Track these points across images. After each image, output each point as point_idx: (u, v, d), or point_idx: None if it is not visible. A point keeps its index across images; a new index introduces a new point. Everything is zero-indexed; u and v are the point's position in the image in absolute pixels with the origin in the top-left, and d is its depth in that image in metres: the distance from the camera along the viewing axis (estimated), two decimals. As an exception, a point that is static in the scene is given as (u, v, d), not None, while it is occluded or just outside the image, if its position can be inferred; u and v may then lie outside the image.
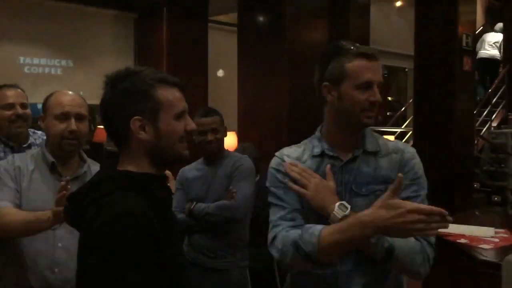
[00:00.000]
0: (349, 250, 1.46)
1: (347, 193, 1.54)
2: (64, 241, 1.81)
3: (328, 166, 1.53)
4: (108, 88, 1.27)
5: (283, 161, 1.57)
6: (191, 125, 1.30)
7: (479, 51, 9.13)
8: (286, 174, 1.54)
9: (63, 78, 6.40)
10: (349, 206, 1.46)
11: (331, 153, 1.56)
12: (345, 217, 1.43)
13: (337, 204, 1.46)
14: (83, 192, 1.24)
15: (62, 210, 1.58)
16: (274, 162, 1.61)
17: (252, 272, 2.83)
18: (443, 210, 1.30)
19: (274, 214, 1.54)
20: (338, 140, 1.57)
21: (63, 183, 1.64)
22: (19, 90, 2.47)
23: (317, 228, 1.44)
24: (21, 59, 6.21)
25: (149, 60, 6.75)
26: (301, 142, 1.66)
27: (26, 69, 6.25)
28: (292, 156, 1.59)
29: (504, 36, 9.07)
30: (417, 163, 1.58)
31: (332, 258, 1.46)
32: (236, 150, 3.77)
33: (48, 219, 1.65)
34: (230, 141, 4.80)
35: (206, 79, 6.94)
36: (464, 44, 6.46)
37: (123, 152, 1.28)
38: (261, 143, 5.10)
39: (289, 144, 1.70)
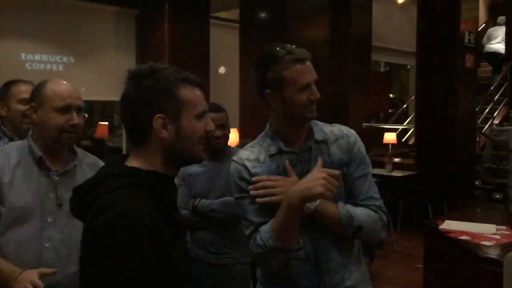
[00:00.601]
0: (296, 224, 1.55)
1: None
2: (52, 242, 1.74)
3: (287, 161, 1.65)
4: (131, 84, 1.24)
5: (245, 167, 1.66)
6: (211, 125, 1.29)
7: (486, 45, 9.10)
8: (249, 182, 1.63)
9: (64, 75, 6.39)
10: None
11: (287, 149, 1.67)
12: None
13: None
14: (88, 186, 1.22)
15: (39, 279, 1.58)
16: (235, 168, 1.68)
17: (252, 267, 2.82)
18: (336, 172, 1.52)
19: (247, 229, 1.68)
20: (290, 135, 1.69)
21: (50, 271, 1.63)
22: (32, 86, 2.48)
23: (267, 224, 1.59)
24: (23, 55, 6.21)
25: (151, 56, 6.74)
26: (254, 142, 1.76)
27: (27, 65, 6.24)
28: (251, 158, 1.68)
29: (506, 33, 9.05)
30: (361, 144, 1.74)
31: (288, 238, 1.55)
32: (238, 146, 3.77)
33: (14, 283, 1.60)
34: (232, 137, 4.79)
35: (208, 75, 6.93)
36: (466, 41, 6.43)
37: (137, 148, 1.26)
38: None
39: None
